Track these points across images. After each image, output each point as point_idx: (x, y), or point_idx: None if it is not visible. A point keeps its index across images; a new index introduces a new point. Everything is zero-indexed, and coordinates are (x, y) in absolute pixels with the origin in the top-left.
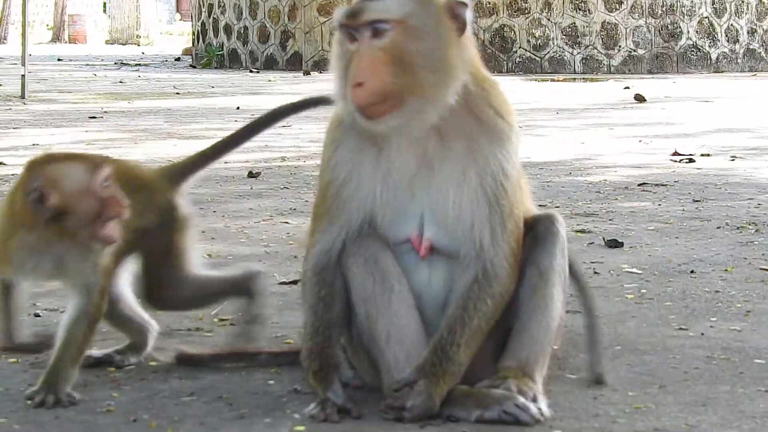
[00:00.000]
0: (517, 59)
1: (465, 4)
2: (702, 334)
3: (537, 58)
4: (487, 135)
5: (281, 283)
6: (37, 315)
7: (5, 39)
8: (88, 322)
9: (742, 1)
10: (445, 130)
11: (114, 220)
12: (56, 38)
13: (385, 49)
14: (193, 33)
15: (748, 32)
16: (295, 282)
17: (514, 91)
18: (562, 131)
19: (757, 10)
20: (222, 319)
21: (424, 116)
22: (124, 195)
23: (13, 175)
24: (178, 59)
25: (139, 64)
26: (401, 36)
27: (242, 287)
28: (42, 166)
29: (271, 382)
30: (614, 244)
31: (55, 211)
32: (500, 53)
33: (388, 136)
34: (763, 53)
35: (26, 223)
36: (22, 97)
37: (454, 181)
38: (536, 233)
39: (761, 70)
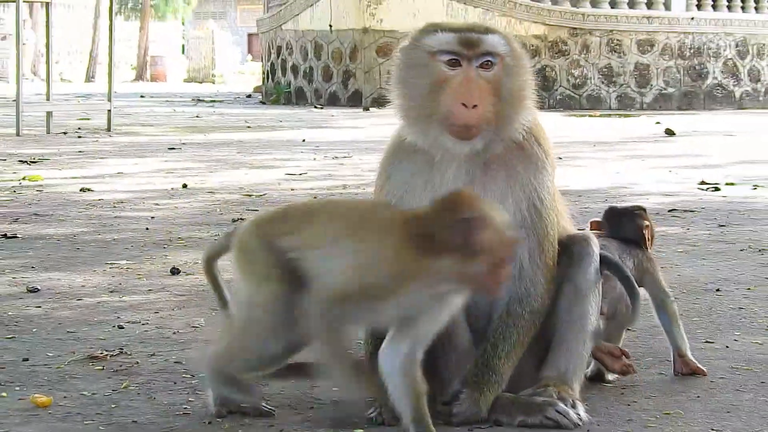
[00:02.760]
0: (558, 96)
1: None
2: (726, 346)
3: (576, 96)
4: (525, 163)
5: None
6: (120, 327)
7: (93, 77)
8: None
9: (764, 44)
10: (490, 159)
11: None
12: (139, 77)
13: (489, 80)
14: (263, 72)
15: None
16: None
17: (555, 126)
18: (599, 162)
19: None
20: None
21: (496, 144)
22: None
23: (99, 200)
24: (248, 96)
25: (214, 101)
26: (501, 71)
27: None
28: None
29: (335, 389)
30: None
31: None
32: (542, 91)
33: (443, 160)
34: None
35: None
36: (108, 129)
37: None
38: (572, 253)
39: None
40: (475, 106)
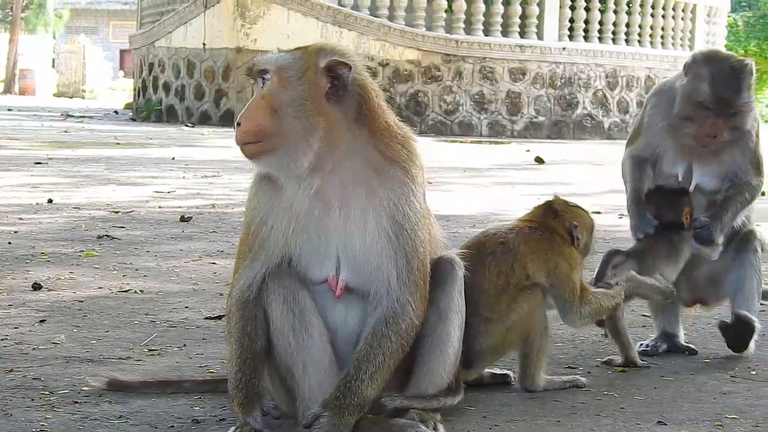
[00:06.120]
0: (430, 122)
1: (348, 66)
2: (588, 372)
3: (448, 122)
4: (381, 180)
5: (207, 318)
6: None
7: None
8: None
9: (633, 76)
10: (345, 176)
11: None
12: (7, 90)
13: (264, 96)
14: (135, 89)
15: (637, 104)
16: (219, 317)
17: (426, 151)
18: (469, 188)
19: (645, 84)
20: (151, 350)
21: (293, 160)
22: None
23: None
24: (116, 112)
25: (84, 116)
26: (276, 84)
27: None
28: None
29: (195, 408)
30: None
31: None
32: (415, 116)
33: (292, 182)
34: None
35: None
36: None
37: (357, 224)
38: (436, 275)
39: None
40: (238, 124)
